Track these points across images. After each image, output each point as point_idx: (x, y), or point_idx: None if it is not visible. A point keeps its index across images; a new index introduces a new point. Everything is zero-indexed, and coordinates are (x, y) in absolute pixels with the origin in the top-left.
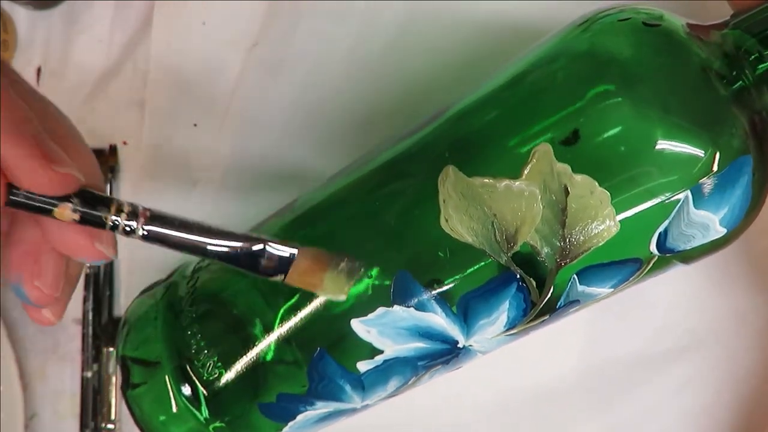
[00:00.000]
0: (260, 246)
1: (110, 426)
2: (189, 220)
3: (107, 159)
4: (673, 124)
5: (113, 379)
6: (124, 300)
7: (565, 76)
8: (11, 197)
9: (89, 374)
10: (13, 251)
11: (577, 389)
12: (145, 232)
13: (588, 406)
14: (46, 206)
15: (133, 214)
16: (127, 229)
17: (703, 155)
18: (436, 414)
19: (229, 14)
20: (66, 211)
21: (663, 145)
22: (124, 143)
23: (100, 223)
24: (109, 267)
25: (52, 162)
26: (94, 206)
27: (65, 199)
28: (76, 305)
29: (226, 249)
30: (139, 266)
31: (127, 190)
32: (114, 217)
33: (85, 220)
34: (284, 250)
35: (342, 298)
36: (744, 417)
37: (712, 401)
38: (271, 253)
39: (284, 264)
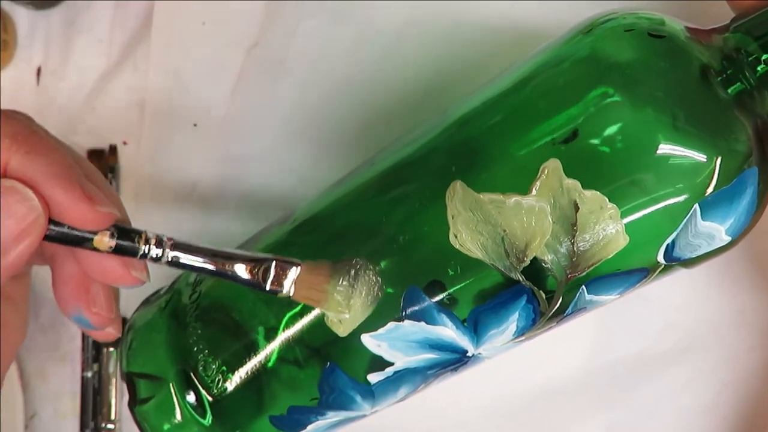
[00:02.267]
0: (266, 264)
1: (110, 426)
2: (203, 246)
3: (107, 159)
4: (675, 128)
5: (113, 379)
6: (123, 300)
7: (567, 80)
8: (52, 232)
9: (89, 374)
10: (65, 289)
11: (578, 389)
12: (170, 259)
13: (589, 406)
14: (86, 237)
15: (159, 243)
16: (154, 256)
17: (705, 159)
18: (440, 414)
19: (229, 14)
20: (105, 239)
21: (665, 149)
22: (124, 143)
23: (133, 251)
24: None
25: (96, 203)
26: (127, 237)
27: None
28: None
29: (236, 273)
30: None
31: (127, 190)
32: (144, 246)
33: (119, 249)
34: (288, 265)
35: (345, 315)
36: (745, 417)
37: (713, 401)
38: (277, 269)
39: (289, 278)
